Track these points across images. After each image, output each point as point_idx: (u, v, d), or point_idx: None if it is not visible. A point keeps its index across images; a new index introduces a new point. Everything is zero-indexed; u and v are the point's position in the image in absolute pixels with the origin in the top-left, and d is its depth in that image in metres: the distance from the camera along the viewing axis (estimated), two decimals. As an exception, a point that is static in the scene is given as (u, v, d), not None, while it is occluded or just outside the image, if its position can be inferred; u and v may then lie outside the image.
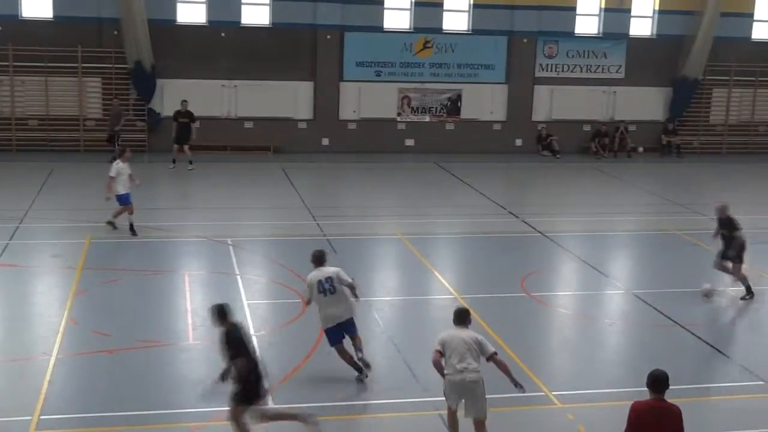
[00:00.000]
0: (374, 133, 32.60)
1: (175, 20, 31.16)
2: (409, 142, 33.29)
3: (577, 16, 34.05)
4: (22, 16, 30.26)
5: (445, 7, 32.99)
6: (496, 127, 33.92)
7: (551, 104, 34.08)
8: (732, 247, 17.34)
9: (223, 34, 31.32)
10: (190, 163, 28.43)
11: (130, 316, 15.64)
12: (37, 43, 29.67)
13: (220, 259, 19.30)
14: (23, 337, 14.88)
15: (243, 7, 31.59)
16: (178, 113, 28.95)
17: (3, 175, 26.51)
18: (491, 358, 10.97)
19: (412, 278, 18.78)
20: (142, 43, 30.16)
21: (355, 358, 13.11)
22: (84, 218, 21.16)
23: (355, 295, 13.24)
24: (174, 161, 28.57)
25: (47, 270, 18.01)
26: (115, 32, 30.20)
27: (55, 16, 30.33)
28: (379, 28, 32.49)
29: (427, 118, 33.38)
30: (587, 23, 34.25)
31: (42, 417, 11.67)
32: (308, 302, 13.38)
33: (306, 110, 32.40)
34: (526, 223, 23.03)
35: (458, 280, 18.56)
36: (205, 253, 19.97)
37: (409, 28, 32.85)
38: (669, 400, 9.24)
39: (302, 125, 32.47)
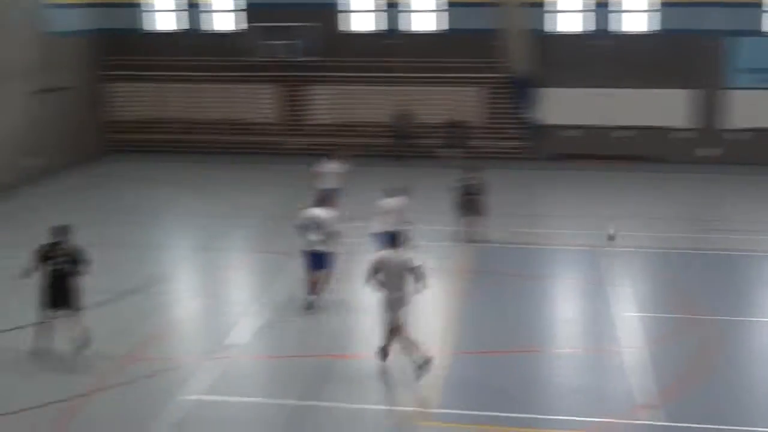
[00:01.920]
0: (762, 144, 30.85)
1: (554, 30, 31.59)
2: (803, 154, 31.09)
3: None
4: (411, 30, 32.17)
5: None
6: None
7: None
8: None
9: (601, 42, 31.22)
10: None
11: (511, 321, 16.15)
12: (426, 55, 31.46)
13: (593, 268, 19.32)
14: (415, 333, 15.72)
15: (623, 15, 31.28)
16: (450, 123, 30.62)
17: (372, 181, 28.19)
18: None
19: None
20: (522, 52, 30.91)
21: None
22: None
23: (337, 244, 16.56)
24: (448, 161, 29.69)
25: (437, 272, 18.95)
26: (495, 43, 31.17)
27: (441, 29, 31.95)
28: (770, 33, 30.77)
29: (823, 128, 31.01)
30: None
31: (431, 410, 12.42)
32: (297, 227, 16.38)
33: (685, 119, 31.42)
34: None
35: None
36: (580, 262, 20.07)
37: (805, 31, 30.76)
38: None
39: (680, 134, 31.52)
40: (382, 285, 13.53)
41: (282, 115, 33.00)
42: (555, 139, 31.60)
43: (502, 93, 31.71)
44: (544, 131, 31.61)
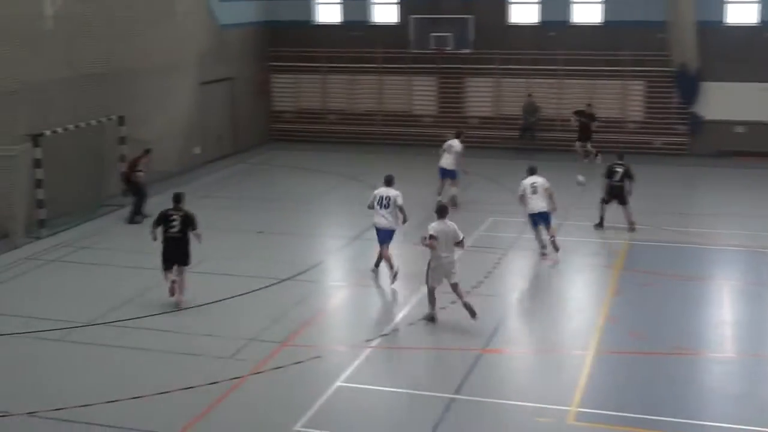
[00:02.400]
0: None
1: (723, 21, 30.34)
2: None
3: None
4: (572, 22, 31.60)
5: None
6: None
7: None
8: None
9: (773, 34, 29.79)
10: (596, 155, 28.76)
11: (664, 321, 15.68)
12: (584, 48, 30.84)
13: (759, 270, 18.51)
14: (563, 331, 15.65)
15: (798, 7, 29.78)
16: (580, 112, 29.73)
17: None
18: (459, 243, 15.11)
19: None
20: (688, 45, 29.86)
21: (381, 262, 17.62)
22: (620, 220, 21.40)
23: (404, 218, 17.43)
24: (586, 157, 29.26)
25: (587, 268, 18.67)
26: (659, 35, 30.20)
27: (604, 21, 31.22)
28: None
29: None
30: None
31: (580, 409, 12.17)
32: (369, 206, 17.53)
33: None
34: None
35: None
36: (743, 263, 19.28)
37: None
38: None
39: None
40: (437, 250, 14.85)
41: (438, 107, 33.04)
42: (719, 136, 30.36)
43: (665, 87, 30.71)
44: (707, 127, 30.44)
